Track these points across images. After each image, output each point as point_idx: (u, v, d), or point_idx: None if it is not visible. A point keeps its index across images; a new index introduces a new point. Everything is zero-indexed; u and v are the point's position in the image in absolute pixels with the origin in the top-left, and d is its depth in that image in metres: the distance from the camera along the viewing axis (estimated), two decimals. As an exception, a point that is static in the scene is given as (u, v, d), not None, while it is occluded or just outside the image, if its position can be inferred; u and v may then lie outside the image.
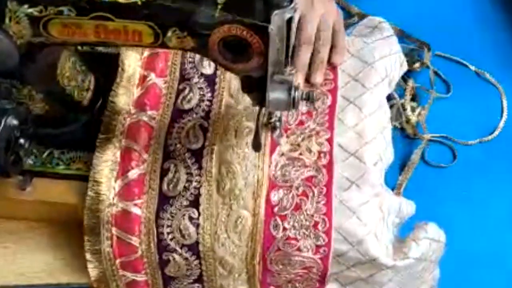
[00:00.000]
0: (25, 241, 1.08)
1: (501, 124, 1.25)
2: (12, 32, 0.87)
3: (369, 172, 1.00)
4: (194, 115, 1.04)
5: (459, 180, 1.19)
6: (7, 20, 0.86)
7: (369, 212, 0.98)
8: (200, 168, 1.00)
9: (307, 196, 0.98)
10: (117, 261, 1.01)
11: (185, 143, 1.02)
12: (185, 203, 0.99)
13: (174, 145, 1.02)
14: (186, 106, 1.05)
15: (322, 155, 1.01)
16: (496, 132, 1.24)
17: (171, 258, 1.00)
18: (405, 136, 1.23)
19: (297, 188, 0.99)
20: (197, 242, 0.99)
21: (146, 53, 1.10)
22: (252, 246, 0.99)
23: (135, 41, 0.88)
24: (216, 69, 1.09)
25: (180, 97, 1.06)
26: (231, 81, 1.07)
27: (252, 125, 1.01)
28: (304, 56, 1.04)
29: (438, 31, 1.26)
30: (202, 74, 1.09)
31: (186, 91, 1.07)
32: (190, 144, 1.02)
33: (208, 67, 1.09)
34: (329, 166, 1.00)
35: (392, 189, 1.16)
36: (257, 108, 0.95)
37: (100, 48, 1.12)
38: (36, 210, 1.05)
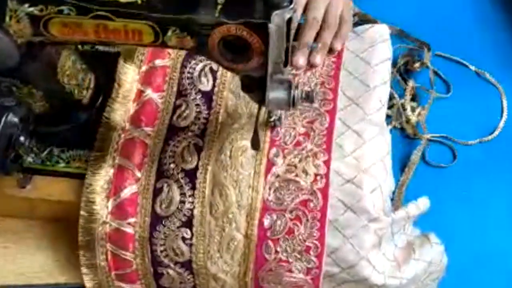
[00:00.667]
0: (25, 241, 1.09)
1: (501, 124, 1.24)
2: (13, 31, 0.87)
3: (365, 199, 0.98)
4: (190, 133, 1.03)
5: (459, 180, 1.19)
6: (7, 19, 0.86)
7: (363, 238, 0.98)
8: (193, 188, 1.00)
9: (300, 221, 0.98)
10: (113, 273, 1.02)
11: (179, 163, 1.01)
12: (178, 223, 0.99)
13: (168, 164, 1.01)
14: (182, 124, 1.04)
15: (318, 177, 0.99)
16: (496, 132, 1.23)
17: (165, 272, 1.01)
18: (405, 136, 1.22)
19: (290, 212, 0.98)
20: (190, 260, 1.00)
21: (144, 67, 1.09)
22: (244, 265, 0.99)
23: (135, 41, 0.89)
24: (213, 85, 1.08)
25: (177, 113, 1.05)
26: (228, 98, 1.06)
27: (248, 143, 1.00)
28: (308, 34, 1.04)
29: (438, 31, 1.25)
30: (199, 91, 1.07)
31: (183, 107, 1.06)
32: (184, 164, 1.01)
33: (206, 83, 1.08)
34: (325, 190, 0.98)
35: (394, 190, 1.15)
36: (253, 121, 0.97)
37: (101, 47, 1.12)
38: (35, 208, 1.06)
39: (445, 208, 1.15)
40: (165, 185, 1.00)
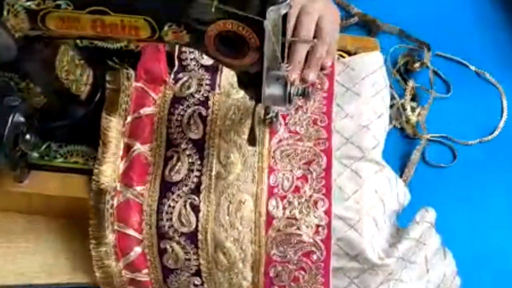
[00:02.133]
0: (25, 241, 1.09)
1: (501, 124, 1.24)
2: (10, 25, 0.88)
3: (367, 249, 0.98)
4: (184, 188, 1.01)
5: (459, 180, 1.19)
6: (5, 13, 0.87)
7: (369, 280, 0.99)
8: (196, 247, 1.00)
9: (305, 270, 0.99)
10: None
11: (178, 227, 1.00)
12: (187, 275, 1.01)
13: (167, 227, 1.00)
14: (175, 178, 1.01)
15: (320, 228, 0.98)
16: (496, 132, 1.23)
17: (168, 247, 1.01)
18: (404, 136, 1.23)
19: (295, 264, 0.99)
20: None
21: (129, 117, 1.05)
22: None
23: (132, 36, 0.89)
24: (204, 132, 1.04)
25: (168, 167, 1.02)
26: (220, 146, 1.03)
27: (245, 196, 0.99)
28: (301, 52, 0.99)
29: (438, 31, 1.25)
30: (190, 139, 1.04)
31: (174, 159, 1.03)
32: (183, 228, 1.00)
33: (196, 131, 1.04)
34: (327, 241, 0.98)
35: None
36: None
37: (99, 43, 1.12)
38: (33, 202, 1.06)
39: (445, 208, 1.14)
40: (168, 246, 1.00)
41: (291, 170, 1.01)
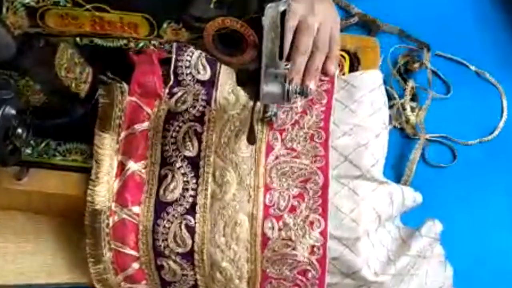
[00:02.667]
0: (25, 241, 1.09)
1: (501, 124, 1.24)
2: (9, 22, 0.88)
3: (363, 269, 0.97)
4: (179, 208, 1.00)
5: (459, 180, 1.19)
6: (4, 11, 0.87)
7: None
8: (193, 265, 1.00)
9: (300, 287, 0.99)
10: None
11: (174, 247, 0.99)
12: None
13: (162, 248, 1.00)
14: (169, 198, 1.00)
15: (315, 249, 0.98)
16: (496, 132, 1.23)
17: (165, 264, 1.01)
18: (404, 136, 1.23)
19: (291, 281, 0.99)
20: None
21: (123, 134, 1.03)
22: None
23: (131, 33, 0.89)
24: (199, 149, 1.02)
25: (163, 186, 1.01)
26: (215, 164, 1.01)
27: (241, 216, 0.99)
28: (300, 63, 0.99)
29: (438, 31, 1.25)
30: (185, 157, 1.01)
31: (169, 178, 1.01)
32: (178, 248, 0.99)
33: (191, 148, 1.02)
34: (322, 260, 0.98)
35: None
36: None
37: (99, 41, 1.12)
38: (32, 201, 1.06)
39: (445, 208, 1.15)
40: (165, 263, 1.00)
41: (287, 189, 1.00)
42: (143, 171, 1.02)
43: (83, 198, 1.01)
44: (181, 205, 0.99)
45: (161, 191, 1.00)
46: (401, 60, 1.25)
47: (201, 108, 1.04)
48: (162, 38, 0.90)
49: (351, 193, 0.99)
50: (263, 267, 0.98)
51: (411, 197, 1.04)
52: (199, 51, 1.07)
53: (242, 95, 1.05)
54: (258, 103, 0.95)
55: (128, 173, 1.01)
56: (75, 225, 1.05)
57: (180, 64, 1.08)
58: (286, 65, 1.01)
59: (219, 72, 1.08)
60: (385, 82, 1.11)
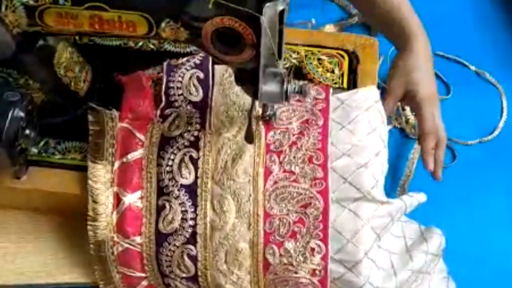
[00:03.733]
0: (25, 241, 1.09)
1: (501, 124, 1.24)
2: (8, 21, 0.88)
3: (362, 285, 0.97)
4: (180, 238, 0.99)
5: (459, 180, 1.18)
6: (3, 9, 0.87)
7: None
8: (199, 285, 1.00)
9: None
10: None
11: (178, 274, 1.00)
12: None
13: (167, 272, 1.00)
14: (169, 229, 0.99)
15: (317, 271, 0.98)
16: (496, 132, 1.23)
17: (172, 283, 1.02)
18: (404, 136, 1.22)
19: None
20: None
21: (117, 164, 1.01)
22: None
23: (129, 32, 0.89)
24: (196, 176, 1.00)
25: (161, 217, 0.99)
26: (213, 191, 0.99)
27: (242, 244, 0.98)
28: (430, 144, 1.08)
29: (438, 31, 1.23)
30: (182, 186, 1.00)
31: (167, 209, 0.99)
32: (181, 273, 1.00)
33: (187, 176, 1.00)
34: (324, 280, 0.98)
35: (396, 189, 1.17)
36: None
37: (98, 40, 1.13)
38: (31, 199, 1.06)
39: (445, 208, 1.15)
40: (172, 283, 1.01)
41: (287, 214, 0.98)
42: (139, 202, 1.01)
43: (83, 197, 1.00)
44: (180, 234, 0.99)
45: (160, 223, 0.99)
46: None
47: (195, 133, 1.02)
48: (160, 37, 0.90)
49: (351, 215, 0.98)
50: (266, 287, 0.99)
51: (415, 203, 1.05)
52: (190, 72, 1.07)
53: (237, 116, 1.03)
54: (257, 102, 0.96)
55: (125, 206, 1.00)
56: (75, 225, 1.05)
57: (171, 85, 1.06)
58: (284, 64, 1.02)
59: (212, 93, 1.05)
60: (384, 82, 1.11)
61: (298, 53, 1.14)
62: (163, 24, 0.88)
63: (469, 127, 1.23)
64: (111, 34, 0.91)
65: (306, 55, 1.13)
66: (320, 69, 1.12)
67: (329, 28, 1.28)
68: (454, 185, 1.18)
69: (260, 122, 1.02)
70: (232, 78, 1.02)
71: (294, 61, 1.14)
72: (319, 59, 1.13)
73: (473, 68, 1.28)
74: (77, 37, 1.10)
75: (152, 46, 1.14)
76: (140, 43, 1.14)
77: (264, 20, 0.82)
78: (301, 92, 0.93)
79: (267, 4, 0.82)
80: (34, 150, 1.05)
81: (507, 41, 1.31)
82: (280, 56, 0.88)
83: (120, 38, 1.11)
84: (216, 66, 1.07)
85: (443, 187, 1.16)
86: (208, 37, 0.87)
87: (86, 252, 1.03)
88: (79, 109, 1.06)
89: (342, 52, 1.13)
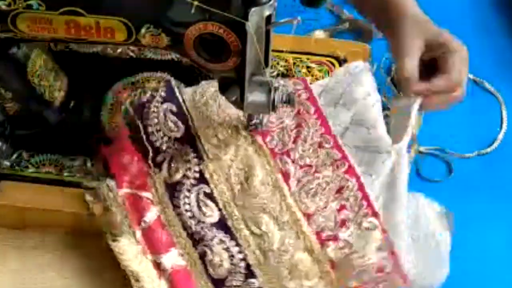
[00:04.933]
0: (34, 261, 1.03)
1: (501, 135, 1.20)
2: (-21, 27, 0.87)
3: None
4: (237, 276, 0.95)
5: (456, 195, 1.14)
6: (-28, 15, 0.85)
7: None
8: None
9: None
10: None
11: None
12: None
13: None
14: (222, 273, 0.95)
15: (382, 247, 0.95)
16: (495, 144, 1.19)
17: None
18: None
19: (374, 282, 0.95)
20: None
21: (138, 232, 0.97)
22: None
23: (108, 38, 0.88)
24: (219, 209, 0.97)
25: (208, 265, 0.96)
26: (243, 215, 0.97)
27: (299, 254, 0.95)
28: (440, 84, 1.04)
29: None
30: (211, 225, 0.97)
31: (209, 254, 0.95)
32: None
33: (211, 213, 0.97)
34: (393, 253, 0.95)
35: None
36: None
37: (75, 47, 1.11)
38: (5, 215, 1.02)
39: (441, 224, 1.12)
40: None
41: (325, 207, 0.96)
42: (181, 259, 0.97)
43: (59, 212, 0.97)
44: (235, 273, 0.95)
45: (210, 271, 0.95)
46: (395, 68, 1.22)
47: (196, 168, 0.98)
48: (140, 44, 0.88)
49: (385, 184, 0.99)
50: (344, 285, 0.95)
51: None
52: (162, 108, 1.02)
53: (228, 135, 1.00)
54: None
55: (169, 271, 0.95)
56: (52, 240, 1.01)
57: (150, 129, 1.01)
58: (271, 72, 1.00)
59: (192, 123, 1.02)
60: (378, 91, 1.08)
61: (286, 60, 1.13)
62: (143, 30, 0.86)
63: (466, 139, 1.19)
64: (88, 40, 0.88)
65: (294, 63, 1.12)
66: (309, 78, 1.09)
67: (319, 33, 1.26)
68: (450, 200, 1.14)
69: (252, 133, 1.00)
70: (205, 98, 1.01)
71: (281, 69, 1.12)
72: (308, 67, 1.12)
73: (470, 76, 1.25)
74: (52, 44, 1.08)
75: (131, 54, 1.12)
76: (119, 50, 1.12)
77: (250, 25, 0.80)
78: (289, 101, 0.90)
79: (253, 9, 0.80)
80: (7, 163, 1.02)
81: (506, 48, 1.29)
82: (267, 64, 0.86)
83: (98, 45, 1.10)
84: (183, 91, 1.03)
85: (438, 203, 1.14)
86: (191, 44, 0.85)
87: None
88: (54, 120, 1.03)
89: (332, 60, 1.12)
